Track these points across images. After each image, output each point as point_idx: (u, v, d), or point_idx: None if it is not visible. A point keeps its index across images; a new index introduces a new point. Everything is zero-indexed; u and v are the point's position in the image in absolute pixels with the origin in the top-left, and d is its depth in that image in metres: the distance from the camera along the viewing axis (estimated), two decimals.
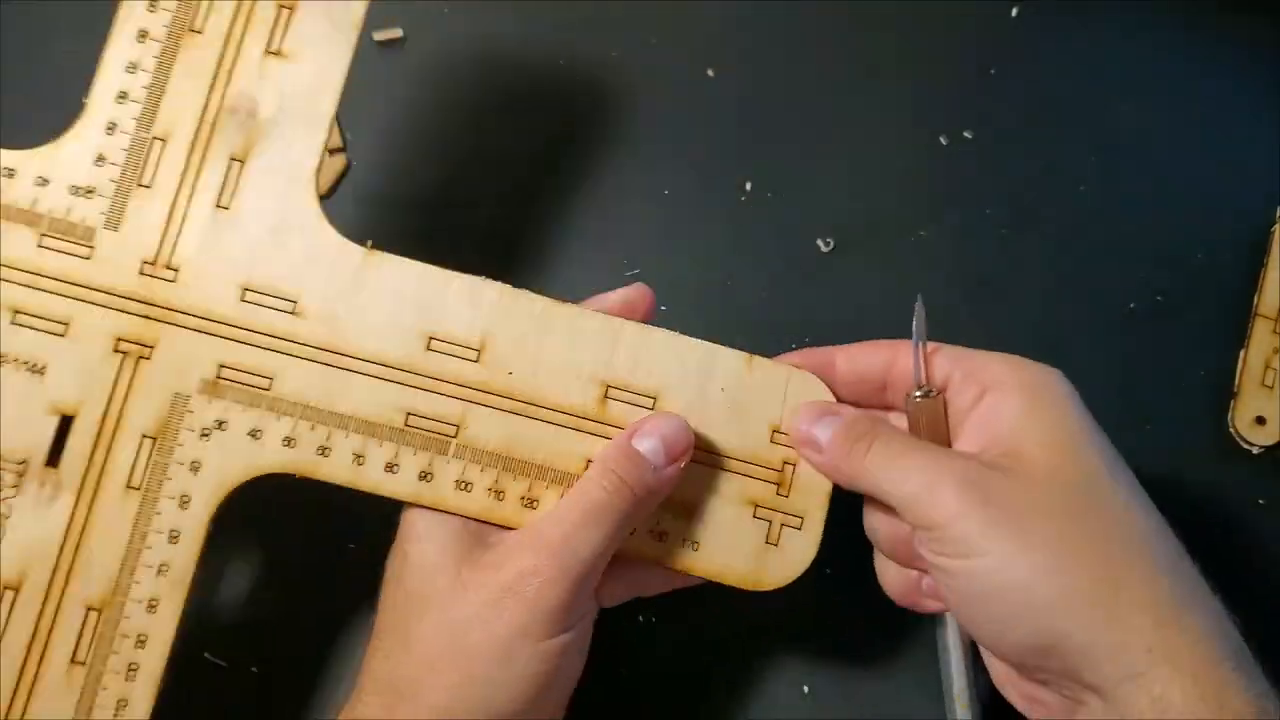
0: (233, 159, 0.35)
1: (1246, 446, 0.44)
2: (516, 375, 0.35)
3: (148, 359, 0.34)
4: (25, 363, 0.34)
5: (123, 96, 0.35)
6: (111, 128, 0.35)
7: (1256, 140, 0.48)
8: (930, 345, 0.36)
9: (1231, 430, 0.45)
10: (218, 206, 0.35)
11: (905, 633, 0.42)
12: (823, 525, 0.36)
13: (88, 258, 0.34)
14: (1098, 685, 0.30)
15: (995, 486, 0.31)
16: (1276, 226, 0.46)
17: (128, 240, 0.34)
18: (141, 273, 0.34)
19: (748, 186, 0.47)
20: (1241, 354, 0.45)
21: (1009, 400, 0.33)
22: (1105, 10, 0.49)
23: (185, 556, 0.34)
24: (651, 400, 0.36)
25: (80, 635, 0.34)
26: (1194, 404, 0.45)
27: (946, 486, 0.31)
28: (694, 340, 0.36)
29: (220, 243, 0.35)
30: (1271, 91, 0.49)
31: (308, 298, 0.35)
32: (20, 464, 0.33)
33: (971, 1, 0.49)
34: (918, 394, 0.35)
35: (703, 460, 0.36)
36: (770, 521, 0.36)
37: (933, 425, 0.35)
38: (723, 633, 0.42)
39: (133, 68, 0.35)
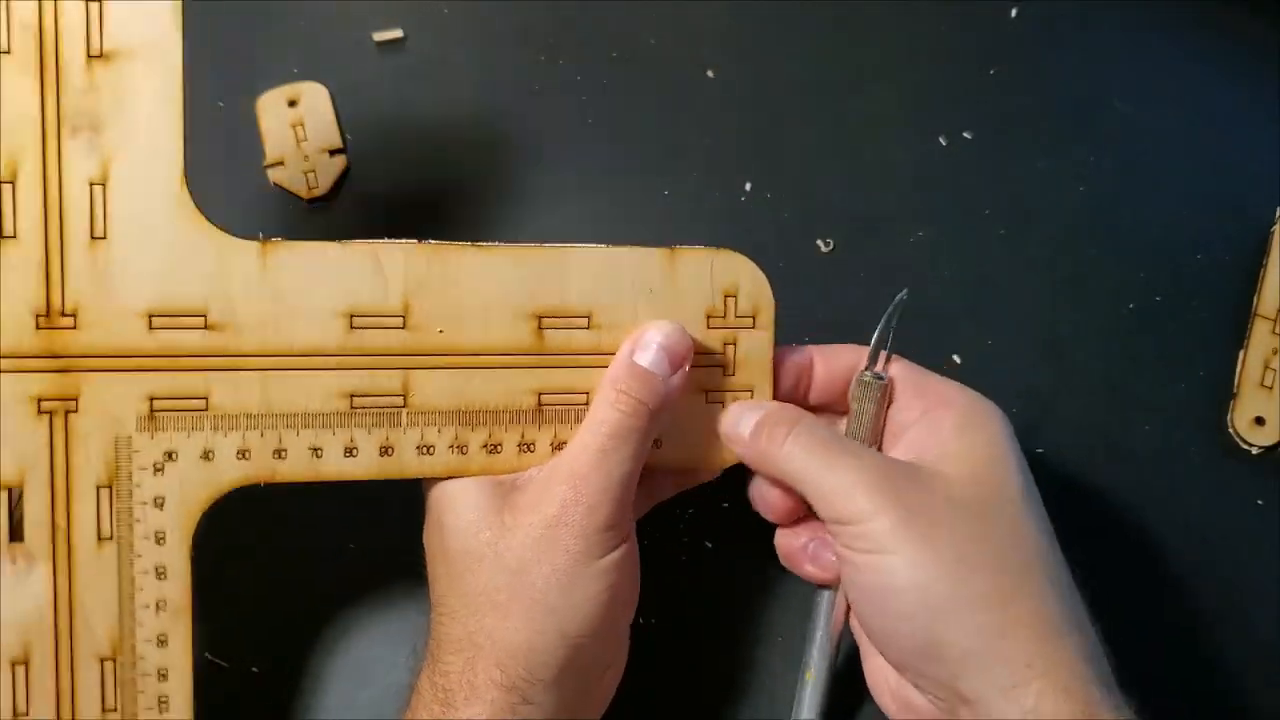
0: (92, 184, 0.32)
1: (1246, 447, 0.44)
2: (447, 330, 0.35)
3: (75, 412, 0.33)
4: None
5: None
6: None
7: (1256, 140, 0.48)
8: (896, 356, 0.37)
9: (1231, 431, 0.45)
10: (93, 238, 0.32)
11: None
12: (772, 393, 0.37)
13: None
14: (973, 696, 0.31)
15: (910, 490, 0.33)
16: (1276, 226, 0.46)
17: (11, 297, 0.32)
18: (39, 327, 0.32)
19: (748, 186, 0.47)
20: (1241, 354, 0.45)
21: (947, 419, 0.35)
22: (1105, 10, 0.49)
23: (178, 588, 0.34)
24: (585, 319, 0.35)
25: (103, 685, 0.34)
26: (1193, 404, 0.45)
27: (861, 485, 0.33)
28: (612, 249, 0.36)
29: (109, 276, 0.32)
30: (1271, 91, 0.49)
31: (215, 308, 0.33)
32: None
33: (971, 1, 0.49)
34: (868, 375, 0.36)
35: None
36: (722, 402, 0.37)
37: (872, 407, 0.36)
38: (721, 633, 0.42)
39: None
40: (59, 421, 0.33)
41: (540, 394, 0.35)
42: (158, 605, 0.34)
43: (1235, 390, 0.45)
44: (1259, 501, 0.44)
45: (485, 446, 0.35)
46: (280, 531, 0.43)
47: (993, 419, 0.35)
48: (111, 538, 0.33)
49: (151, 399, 0.33)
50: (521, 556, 0.33)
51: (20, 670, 0.33)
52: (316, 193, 0.46)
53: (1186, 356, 0.46)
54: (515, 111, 0.47)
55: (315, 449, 0.34)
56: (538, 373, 0.35)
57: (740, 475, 0.42)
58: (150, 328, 0.33)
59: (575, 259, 0.35)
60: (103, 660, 0.34)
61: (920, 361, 0.45)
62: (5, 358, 0.32)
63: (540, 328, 0.35)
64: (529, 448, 0.35)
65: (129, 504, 0.33)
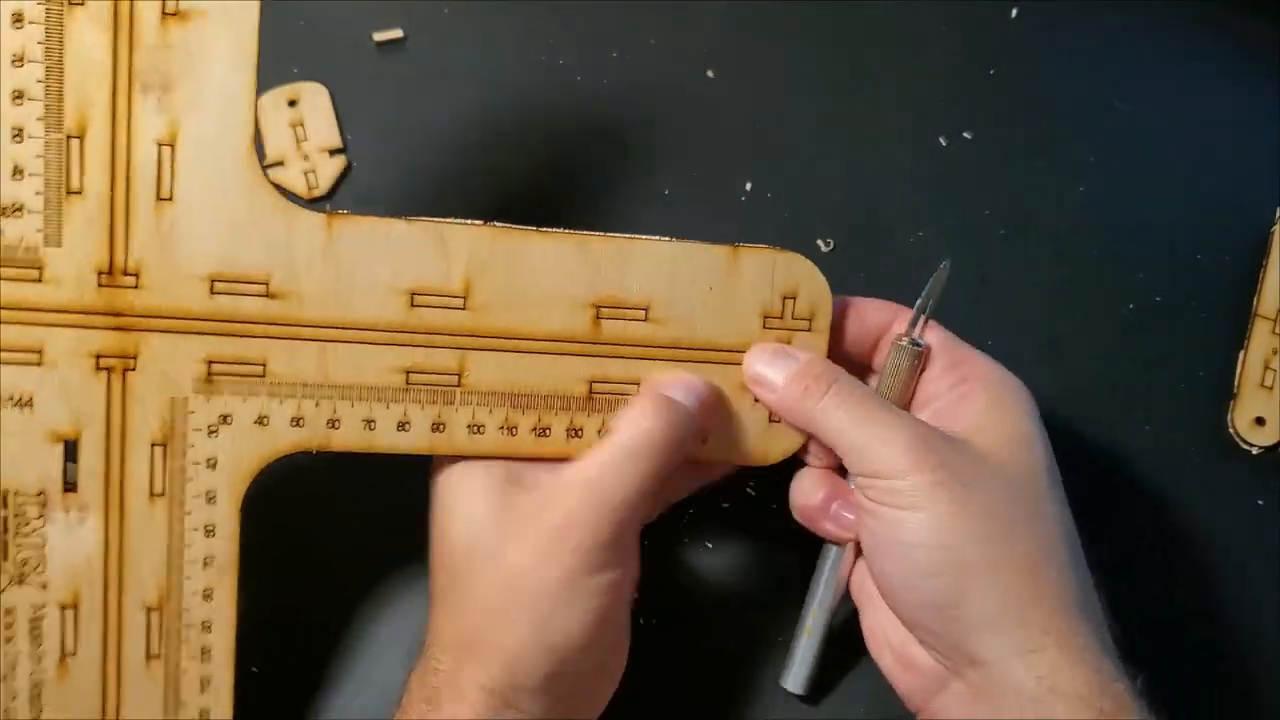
0: (159, 144, 0.32)
1: (1246, 447, 0.44)
2: (506, 313, 0.35)
3: (133, 370, 0.33)
4: (10, 398, 0.32)
5: (18, 96, 0.31)
6: (18, 134, 0.31)
7: (1256, 140, 0.48)
8: (932, 322, 0.37)
9: (1231, 431, 0.45)
10: (159, 199, 0.32)
11: None
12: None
13: (39, 280, 0.32)
14: (986, 658, 0.32)
15: (945, 453, 0.33)
16: (1276, 226, 0.46)
17: (75, 254, 0.32)
18: (101, 284, 0.32)
19: (748, 186, 0.47)
20: (1241, 355, 0.45)
21: (977, 393, 0.35)
22: (1105, 10, 0.49)
23: (226, 546, 0.34)
24: (643, 312, 0.36)
25: (148, 632, 0.34)
26: (1194, 405, 0.45)
27: (900, 441, 0.33)
28: (676, 243, 0.36)
29: (174, 237, 0.32)
30: (1271, 91, 0.49)
31: (278, 276, 0.33)
32: (39, 495, 0.33)
33: (971, 1, 0.49)
34: (905, 341, 0.36)
35: (701, 359, 0.36)
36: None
37: (906, 374, 0.36)
38: (721, 633, 0.42)
39: (19, 60, 0.31)
40: (116, 379, 0.33)
41: (592, 382, 0.36)
42: (205, 561, 0.34)
43: (1235, 390, 0.45)
44: (1259, 501, 0.44)
45: (534, 430, 0.35)
46: (281, 531, 0.43)
47: (1022, 397, 0.36)
48: (163, 494, 0.34)
49: (209, 362, 0.33)
50: (519, 563, 0.33)
51: (69, 614, 0.34)
52: (316, 193, 0.46)
53: (1186, 356, 0.46)
54: (515, 111, 0.47)
55: (369, 421, 0.34)
56: (591, 361, 0.36)
57: (740, 478, 0.42)
58: (212, 292, 0.33)
59: (639, 250, 0.35)
60: (149, 609, 0.34)
61: None
62: (67, 313, 0.32)
63: (598, 317, 0.35)
64: (577, 433, 0.36)
65: (182, 462, 0.34)
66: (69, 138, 0.32)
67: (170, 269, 0.33)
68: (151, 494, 0.34)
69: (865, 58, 0.49)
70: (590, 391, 0.36)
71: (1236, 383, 0.45)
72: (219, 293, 0.33)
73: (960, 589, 0.32)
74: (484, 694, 0.32)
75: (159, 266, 0.33)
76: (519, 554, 0.33)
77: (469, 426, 0.35)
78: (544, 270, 0.35)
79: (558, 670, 0.33)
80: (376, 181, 0.46)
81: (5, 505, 0.33)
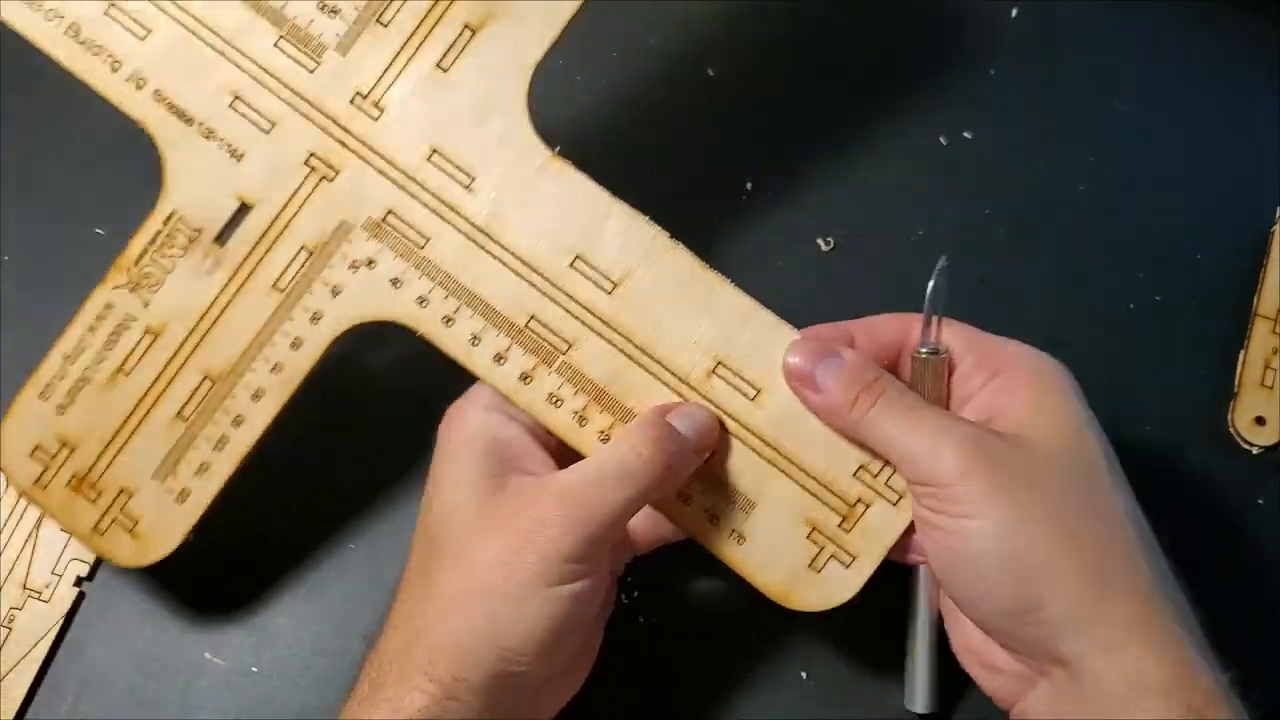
0: (466, 26, 0.36)
1: (1246, 446, 0.44)
2: (641, 319, 0.36)
3: (330, 181, 0.36)
4: (230, 146, 0.36)
5: None
6: None
7: (1256, 140, 0.48)
8: (946, 320, 0.36)
9: (1231, 430, 0.45)
10: (438, 66, 0.36)
11: (905, 620, 0.42)
12: (871, 571, 0.36)
13: (312, 71, 0.36)
14: (1069, 657, 0.31)
15: (1000, 453, 0.32)
16: (1276, 226, 0.46)
17: (350, 68, 0.36)
18: (352, 102, 0.36)
19: (748, 185, 0.47)
20: (1241, 354, 0.45)
21: (1019, 384, 0.34)
22: (1105, 10, 0.49)
23: (301, 363, 0.37)
24: (755, 391, 0.36)
25: (191, 396, 0.37)
26: (1194, 404, 0.45)
27: (951, 447, 0.32)
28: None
29: (428, 100, 0.36)
30: (1271, 91, 0.49)
31: (483, 179, 0.36)
32: (195, 231, 0.36)
33: (971, 1, 0.49)
34: (924, 350, 0.35)
35: (779, 464, 0.36)
36: (822, 548, 0.36)
37: (934, 384, 0.35)
38: (721, 632, 0.42)
39: None
40: (313, 179, 0.36)
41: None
42: (276, 366, 0.37)
43: (1235, 390, 0.45)
44: (1259, 501, 0.44)
45: (601, 433, 0.36)
46: (281, 531, 0.43)
47: (1062, 379, 0.34)
48: (283, 291, 0.37)
49: (389, 211, 0.36)
50: (483, 559, 0.33)
51: (147, 339, 0.37)
52: None
53: (1186, 356, 0.46)
54: None
55: (476, 337, 0.36)
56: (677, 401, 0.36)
57: None
58: (428, 159, 0.36)
59: (785, 337, 0.36)
60: (205, 377, 0.37)
61: None
62: (314, 108, 0.36)
63: (714, 371, 0.36)
64: None
65: (314, 276, 0.36)
66: None
67: (409, 124, 0.36)
68: (274, 285, 0.36)
69: (865, 58, 0.49)
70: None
71: (1236, 382, 0.45)
72: (432, 164, 0.36)
73: (1033, 594, 0.31)
74: (427, 681, 0.32)
75: (402, 117, 0.36)
76: (486, 550, 0.33)
77: (550, 395, 0.36)
78: (690, 302, 0.36)
79: (503, 671, 0.33)
80: None
81: (166, 223, 0.36)
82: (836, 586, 0.36)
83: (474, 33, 0.36)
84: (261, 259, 0.36)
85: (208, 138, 0.36)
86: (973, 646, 0.35)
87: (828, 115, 0.48)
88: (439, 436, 0.36)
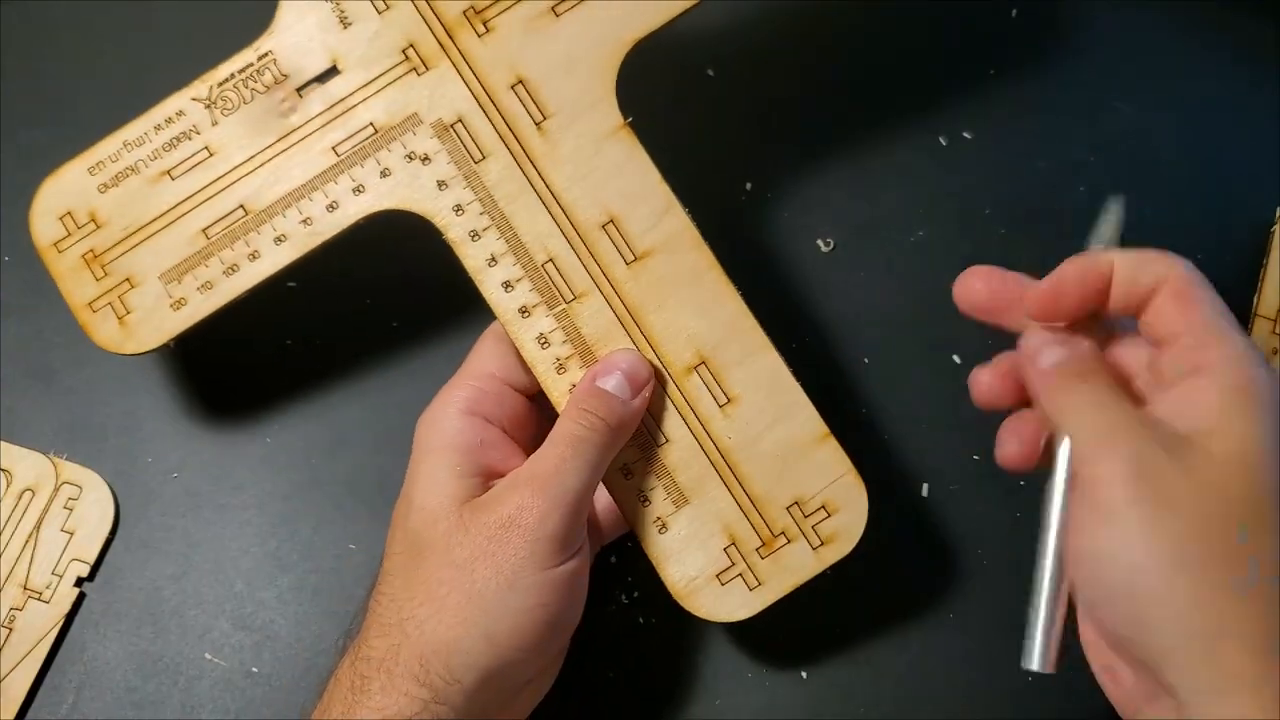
0: None
1: None
2: (647, 297, 0.37)
3: (419, 75, 0.38)
4: (342, 12, 0.38)
5: None
6: None
7: (1256, 140, 0.48)
8: (1180, 292, 0.32)
9: None
10: (552, 10, 0.38)
11: (904, 619, 0.42)
12: (770, 602, 0.37)
13: None
14: (1174, 688, 0.30)
15: (1157, 469, 0.30)
16: (1276, 226, 0.46)
17: None
18: (464, 12, 0.38)
19: (748, 186, 0.47)
20: None
21: (1212, 391, 0.31)
22: (1105, 10, 0.49)
23: (328, 226, 0.37)
24: (726, 400, 0.37)
25: (222, 219, 0.38)
26: None
27: (1111, 452, 0.31)
28: (795, 383, 0.37)
29: (533, 34, 0.38)
30: (1271, 91, 0.49)
31: (554, 122, 0.38)
32: (283, 75, 0.38)
33: (971, 1, 0.49)
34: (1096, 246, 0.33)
35: (723, 473, 0.37)
36: (733, 564, 0.37)
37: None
38: (721, 632, 0.42)
39: None
40: (404, 67, 0.38)
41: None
42: (306, 220, 0.37)
43: None
44: None
45: (572, 385, 0.37)
46: (281, 531, 0.43)
47: (1264, 402, 0.31)
48: (340, 156, 0.38)
49: (459, 120, 0.38)
50: (470, 553, 0.33)
51: (205, 154, 0.38)
52: None
53: None
54: None
55: (494, 259, 0.37)
56: (659, 393, 0.37)
57: None
58: (510, 86, 0.38)
59: (768, 363, 0.37)
60: (240, 206, 0.37)
61: (920, 361, 0.45)
62: (429, 5, 0.38)
63: (694, 368, 0.37)
64: None
65: (370, 152, 0.38)
66: None
67: (508, 48, 0.38)
68: (333, 148, 0.38)
69: (865, 58, 0.49)
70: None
71: None
72: (514, 92, 0.38)
73: (1145, 615, 0.30)
74: (415, 685, 0.32)
75: (504, 41, 0.38)
76: (470, 546, 0.33)
77: (540, 335, 0.37)
78: (697, 298, 0.37)
79: (496, 668, 0.33)
80: None
81: (260, 59, 0.38)
82: (734, 604, 0.37)
83: None
84: (332, 120, 0.38)
85: None
86: (1096, 645, 0.33)
87: (828, 115, 0.48)
88: (416, 439, 0.37)
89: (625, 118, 0.38)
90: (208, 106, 0.38)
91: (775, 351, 0.37)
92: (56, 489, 0.42)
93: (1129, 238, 0.34)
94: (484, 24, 0.38)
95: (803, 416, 0.37)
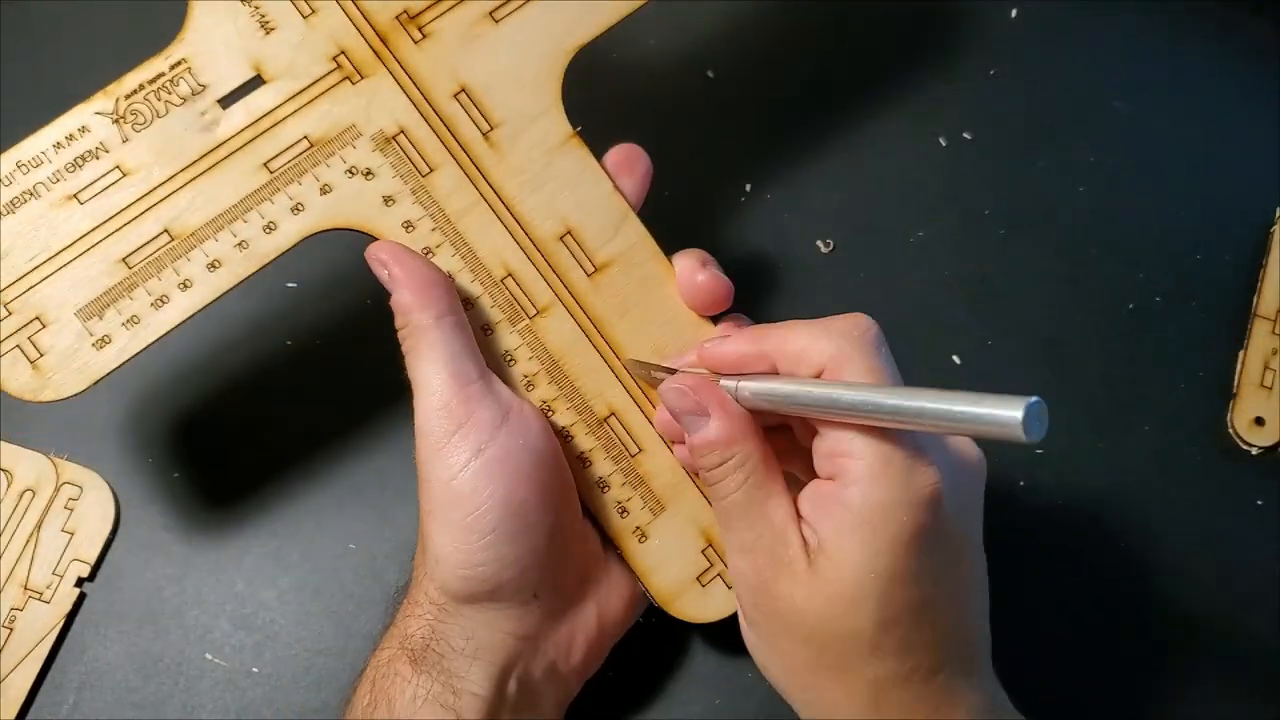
0: None
1: (1245, 447, 0.44)
2: (609, 308, 0.37)
3: (353, 84, 0.36)
4: (263, 18, 0.35)
5: None
6: None
7: (1256, 140, 0.48)
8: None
9: (1230, 431, 0.45)
10: (490, 15, 0.36)
11: None
12: None
13: None
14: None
15: (776, 582, 0.32)
16: (1276, 226, 0.46)
17: None
18: (397, 18, 0.36)
19: (748, 187, 0.47)
20: (1240, 355, 0.45)
21: (838, 508, 0.31)
22: (1105, 10, 0.49)
23: (267, 248, 0.35)
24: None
25: (144, 246, 0.35)
26: (1194, 405, 0.45)
27: (751, 559, 0.33)
28: None
29: (472, 42, 0.36)
30: (1271, 91, 0.49)
31: (502, 132, 0.36)
32: (201, 86, 0.35)
33: (971, 1, 0.49)
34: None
35: (695, 477, 0.37)
36: (712, 564, 0.37)
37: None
38: (721, 631, 0.42)
39: None
40: (335, 76, 0.36)
41: (613, 413, 0.37)
42: (241, 244, 0.35)
43: (1235, 390, 0.45)
44: (1259, 501, 0.44)
45: (543, 402, 0.37)
46: (281, 531, 0.43)
47: (877, 524, 0.30)
48: (272, 173, 0.35)
49: (402, 131, 0.36)
50: (427, 463, 0.34)
51: (116, 174, 0.34)
52: None
53: (1186, 356, 0.46)
54: None
55: (450, 275, 0.36)
56: (623, 395, 0.37)
57: None
58: (454, 96, 0.36)
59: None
60: (165, 231, 0.35)
61: (920, 361, 0.45)
62: (359, 10, 0.36)
63: (651, 375, 0.36)
64: (567, 438, 0.37)
65: (307, 168, 0.35)
66: None
67: (447, 56, 0.36)
68: (265, 164, 0.35)
69: (865, 58, 0.49)
70: (606, 417, 0.37)
71: (1236, 383, 0.45)
72: (458, 101, 0.36)
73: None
74: (431, 605, 0.34)
75: (444, 46, 0.36)
76: (430, 458, 0.34)
77: (505, 353, 0.36)
78: (658, 311, 0.37)
79: (468, 575, 0.34)
80: None
81: (172, 69, 0.35)
82: (716, 604, 0.37)
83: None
84: (260, 134, 0.35)
85: (244, 1, 0.35)
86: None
87: (827, 116, 0.48)
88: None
89: (575, 127, 0.37)
90: (115, 121, 0.34)
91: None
92: (57, 489, 0.42)
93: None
94: (420, 30, 0.36)
95: None
